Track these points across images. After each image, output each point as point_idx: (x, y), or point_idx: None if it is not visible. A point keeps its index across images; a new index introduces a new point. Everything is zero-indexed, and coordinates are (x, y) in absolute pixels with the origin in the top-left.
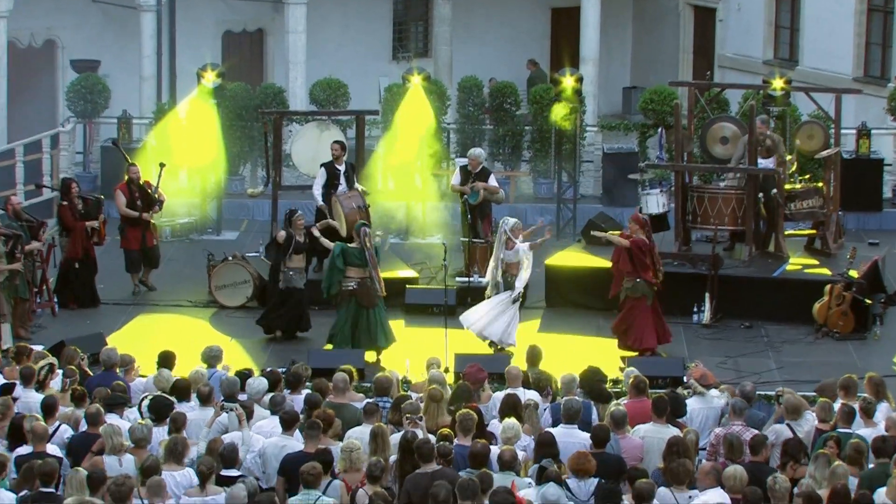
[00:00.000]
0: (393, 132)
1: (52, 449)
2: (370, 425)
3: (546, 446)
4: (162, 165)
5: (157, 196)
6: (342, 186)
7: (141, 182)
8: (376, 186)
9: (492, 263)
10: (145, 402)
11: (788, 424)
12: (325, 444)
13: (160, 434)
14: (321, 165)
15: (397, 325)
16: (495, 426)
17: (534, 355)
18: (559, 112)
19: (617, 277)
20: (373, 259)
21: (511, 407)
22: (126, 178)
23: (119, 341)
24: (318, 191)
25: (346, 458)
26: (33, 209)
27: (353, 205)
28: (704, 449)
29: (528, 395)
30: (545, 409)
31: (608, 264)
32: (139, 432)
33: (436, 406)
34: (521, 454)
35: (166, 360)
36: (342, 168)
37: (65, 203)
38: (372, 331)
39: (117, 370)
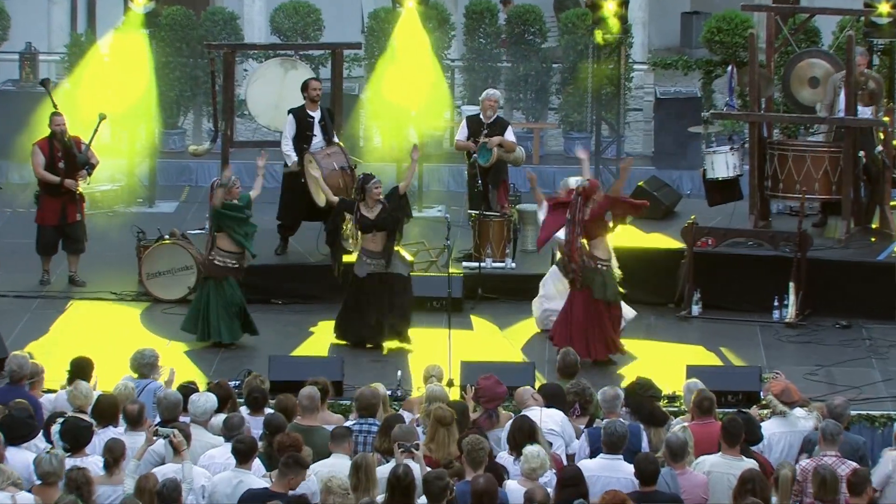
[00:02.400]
0: (380, 72)
1: None
2: (340, 455)
3: (572, 486)
4: (102, 118)
5: (87, 157)
6: (317, 139)
7: (67, 138)
8: (359, 143)
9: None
10: (55, 426)
11: None
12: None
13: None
14: (289, 112)
15: None
16: (504, 457)
17: (568, 364)
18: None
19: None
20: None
21: (527, 434)
22: (49, 132)
23: (21, 345)
24: (288, 146)
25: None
26: None
27: (334, 164)
28: None
29: (546, 417)
30: (582, 435)
31: (669, 244)
32: (47, 464)
33: (445, 432)
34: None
35: (81, 369)
36: (317, 115)
37: None
38: (221, 318)
39: (25, 384)
